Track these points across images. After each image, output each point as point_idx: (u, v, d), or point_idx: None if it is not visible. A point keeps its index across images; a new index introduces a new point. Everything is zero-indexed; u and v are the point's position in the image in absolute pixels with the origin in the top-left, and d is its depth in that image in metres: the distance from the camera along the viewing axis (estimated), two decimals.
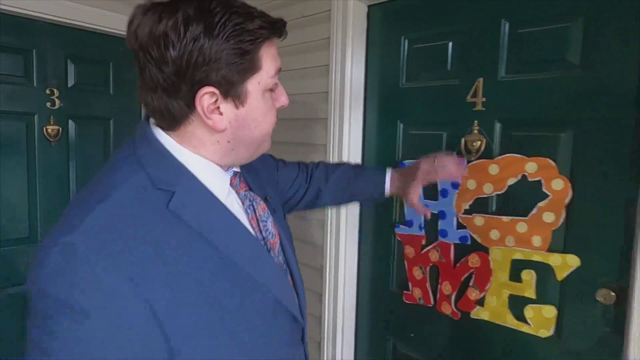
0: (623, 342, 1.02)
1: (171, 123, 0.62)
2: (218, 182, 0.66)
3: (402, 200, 1.49)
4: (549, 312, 1.18)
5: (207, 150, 0.65)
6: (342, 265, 1.60)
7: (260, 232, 0.73)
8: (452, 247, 1.37)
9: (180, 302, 0.56)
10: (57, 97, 1.95)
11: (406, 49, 1.47)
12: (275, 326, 0.70)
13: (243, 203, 0.72)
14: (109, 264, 0.51)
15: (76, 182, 2.04)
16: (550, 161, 1.16)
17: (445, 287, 1.39)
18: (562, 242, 1.16)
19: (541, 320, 1.20)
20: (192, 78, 0.58)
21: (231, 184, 0.70)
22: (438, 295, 1.41)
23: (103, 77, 2.12)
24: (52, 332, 0.49)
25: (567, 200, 1.14)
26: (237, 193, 0.72)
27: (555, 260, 1.16)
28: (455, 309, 1.37)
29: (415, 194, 1.05)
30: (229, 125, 0.63)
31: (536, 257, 1.19)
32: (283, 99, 0.69)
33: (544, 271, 1.19)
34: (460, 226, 1.35)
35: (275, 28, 0.62)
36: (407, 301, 1.50)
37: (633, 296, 0.99)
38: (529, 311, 1.22)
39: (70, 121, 2.01)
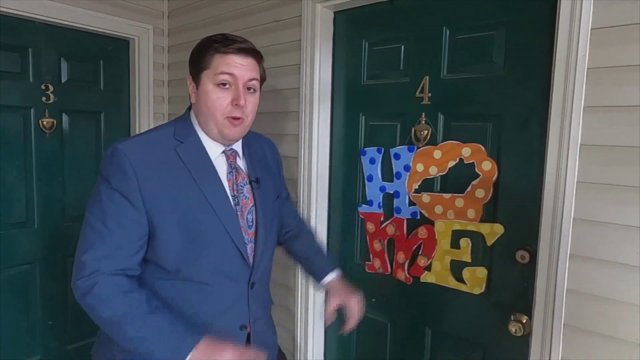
0: (533, 292, 1.26)
1: (191, 102, 1.07)
2: (212, 147, 1.05)
3: (364, 182, 1.71)
4: (481, 272, 1.42)
5: (198, 119, 1.05)
6: None
7: (234, 190, 1.07)
8: (405, 222, 1.59)
9: (159, 200, 0.96)
10: (51, 92, 2.11)
11: (367, 50, 1.69)
12: (222, 246, 1.02)
13: (228, 167, 1.07)
14: (132, 163, 0.93)
15: (70, 170, 2.20)
16: (481, 146, 1.39)
17: (400, 257, 1.61)
18: (491, 213, 1.39)
19: (475, 280, 1.43)
20: (189, 72, 1.06)
21: (224, 152, 1.07)
22: (394, 264, 1.64)
23: (94, 74, 2.28)
24: (97, 192, 0.96)
25: (494, 179, 1.37)
26: (227, 161, 1.07)
27: (485, 229, 1.40)
28: (408, 275, 1.59)
29: (332, 308, 1.22)
30: (195, 101, 1.03)
31: (471, 227, 1.43)
32: (236, 98, 1.00)
33: (477, 239, 1.42)
34: (411, 203, 1.57)
35: (227, 45, 0.99)
36: (368, 271, 1.72)
37: (539, 255, 1.22)
38: (465, 273, 1.45)
39: (64, 114, 2.17)
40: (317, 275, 1.29)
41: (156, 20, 2.42)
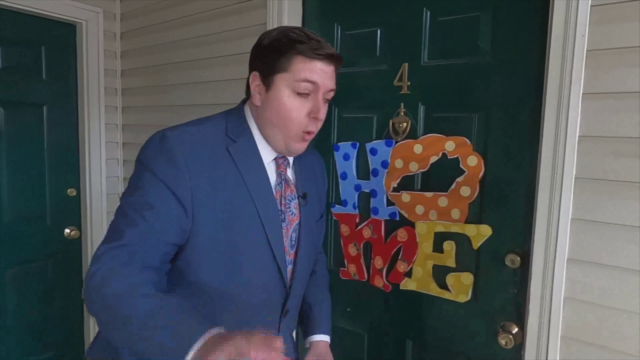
0: (526, 300, 1.14)
1: (247, 95, 0.94)
2: (265, 151, 0.92)
3: (338, 180, 1.55)
4: (467, 278, 1.29)
5: (256, 121, 0.92)
6: None
7: (282, 205, 0.94)
8: (382, 224, 1.45)
9: (207, 200, 0.83)
10: None
11: (339, 35, 1.53)
12: (262, 261, 0.90)
13: (277, 178, 0.94)
14: (182, 155, 0.81)
15: (7, 170, 1.95)
16: (466, 139, 1.26)
17: (377, 262, 1.47)
18: (477, 213, 1.27)
19: (460, 287, 1.30)
20: (251, 64, 0.91)
21: (275, 160, 0.94)
22: (371, 270, 1.49)
23: (35, 62, 2.03)
24: (139, 179, 0.82)
25: (480, 175, 1.25)
26: (277, 169, 0.95)
27: (471, 230, 1.27)
28: (386, 282, 1.45)
29: None
30: (261, 103, 0.89)
31: (455, 229, 1.30)
32: (315, 111, 0.88)
33: (462, 241, 1.29)
34: (389, 203, 1.43)
35: (310, 50, 0.84)
36: (343, 277, 1.57)
37: (532, 258, 1.10)
38: (450, 279, 1.32)
39: None
40: (307, 328, 1.13)
41: (107, 2, 2.18)
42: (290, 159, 0.99)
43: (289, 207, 0.96)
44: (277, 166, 0.95)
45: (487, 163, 1.23)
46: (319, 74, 0.85)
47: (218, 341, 0.61)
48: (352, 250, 1.54)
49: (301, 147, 0.92)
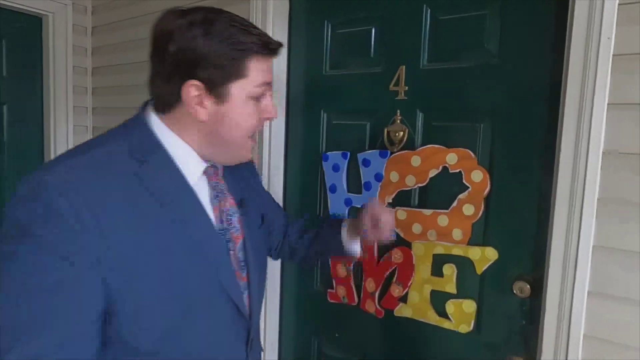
0: (538, 334, 1.01)
1: (164, 107, 0.72)
2: (191, 166, 0.74)
3: (326, 193, 1.41)
4: (469, 306, 1.16)
5: (189, 137, 0.73)
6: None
7: (222, 222, 0.78)
8: (375, 243, 1.31)
9: (133, 254, 0.63)
10: None
11: (330, 34, 1.39)
12: (216, 307, 0.74)
13: (211, 191, 0.78)
14: (72, 202, 0.59)
15: None
16: (470, 152, 1.13)
17: (369, 285, 1.33)
18: (481, 234, 1.14)
19: (462, 316, 1.17)
20: (184, 71, 0.68)
21: (205, 172, 0.76)
22: (362, 293, 1.35)
23: None
24: (15, 257, 0.58)
25: (485, 192, 1.12)
26: (209, 181, 0.78)
27: (474, 253, 1.14)
28: (378, 307, 1.31)
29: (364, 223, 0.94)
30: (209, 118, 0.71)
31: (456, 251, 1.16)
32: (269, 111, 0.75)
33: (464, 265, 1.16)
34: None
35: (268, 47, 0.70)
36: (331, 300, 1.42)
37: (547, 287, 0.97)
38: (450, 306, 1.19)
39: None
40: (334, 233, 1.01)
41: None
42: (219, 165, 0.81)
43: (231, 223, 0.80)
44: (209, 177, 0.78)
45: (494, 179, 1.11)
46: (270, 71, 0.74)
47: None
48: (341, 270, 1.39)
49: (250, 155, 0.79)
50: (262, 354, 0.95)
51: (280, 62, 1.45)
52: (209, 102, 0.70)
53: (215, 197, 0.78)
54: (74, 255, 0.59)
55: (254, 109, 0.72)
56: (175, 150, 0.72)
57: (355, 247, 1.01)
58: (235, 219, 0.81)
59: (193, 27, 0.67)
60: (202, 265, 0.71)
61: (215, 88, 0.69)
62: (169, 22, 0.68)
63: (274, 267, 1.53)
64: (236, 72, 0.69)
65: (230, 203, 0.81)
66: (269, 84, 0.73)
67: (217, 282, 0.73)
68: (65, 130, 2.03)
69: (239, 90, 0.70)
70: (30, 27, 1.95)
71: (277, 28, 1.42)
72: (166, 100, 0.71)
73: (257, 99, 0.72)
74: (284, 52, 1.45)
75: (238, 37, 0.68)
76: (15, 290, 0.58)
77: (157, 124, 0.72)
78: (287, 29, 1.46)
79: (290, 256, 1.09)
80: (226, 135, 0.72)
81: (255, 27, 0.71)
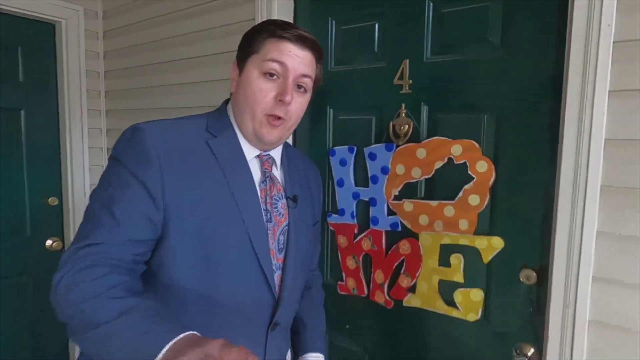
0: (544, 321, 1.02)
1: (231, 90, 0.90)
2: (248, 147, 0.88)
3: (334, 188, 1.44)
4: (477, 295, 1.17)
5: (234, 110, 0.88)
6: None
7: (267, 204, 0.87)
8: (383, 235, 1.33)
9: (181, 194, 0.77)
10: None
11: (334, 30, 1.42)
12: (246, 266, 0.82)
13: (261, 176, 0.88)
14: (157, 146, 0.76)
15: None
16: (475, 143, 1.14)
17: (378, 276, 1.35)
18: (487, 224, 1.15)
19: (470, 304, 1.19)
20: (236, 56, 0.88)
21: (260, 158, 0.89)
22: (371, 285, 1.38)
23: (10, 63, 1.91)
24: (106, 175, 0.78)
25: (491, 182, 1.13)
26: (261, 167, 0.89)
27: (481, 243, 1.15)
28: (388, 298, 1.34)
29: None
30: (235, 88, 0.87)
31: (463, 241, 1.18)
32: (282, 93, 0.82)
33: (471, 254, 1.18)
34: (390, 212, 1.31)
35: (279, 32, 0.82)
36: (341, 292, 1.45)
37: (552, 275, 0.99)
38: (458, 296, 1.21)
39: None
40: (300, 345, 1.05)
41: (88, 1, 2.06)
42: (277, 159, 0.93)
43: (276, 207, 0.89)
44: (262, 164, 0.89)
45: (498, 169, 1.12)
46: (289, 55, 0.82)
47: (188, 343, 0.58)
48: (350, 263, 1.42)
49: (271, 134, 0.85)
50: (288, 356, 1.01)
51: None
52: (237, 74, 0.87)
53: (264, 181, 0.88)
54: (147, 180, 0.74)
55: (268, 86, 0.82)
56: (239, 132, 0.87)
57: None
58: (281, 205, 0.90)
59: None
60: (239, 225, 0.81)
61: (241, 62, 0.86)
62: None
63: None
64: (251, 49, 0.84)
65: (277, 189, 0.90)
66: (281, 64, 0.81)
67: (249, 243, 0.82)
68: (80, 133, 2.09)
69: (252, 64, 0.83)
70: (44, 34, 2.00)
71: None
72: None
73: (270, 76, 0.82)
74: None
75: (261, 26, 0.85)
76: (100, 198, 0.75)
77: (229, 111, 0.89)
78: None
79: None
80: (243, 102, 0.84)
81: (291, 24, 0.85)
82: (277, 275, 0.88)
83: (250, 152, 0.88)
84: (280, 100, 0.82)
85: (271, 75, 0.82)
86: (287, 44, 0.82)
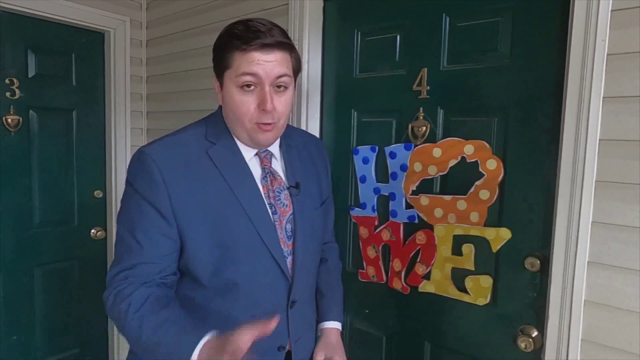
0: (546, 305, 1.14)
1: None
2: (246, 148, 0.95)
3: (357, 183, 1.58)
4: (486, 281, 1.29)
5: (227, 122, 0.95)
6: None
7: (270, 198, 0.96)
8: (401, 226, 1.47)
9: (188, 203, 0.87)
10: (16, 87, 1.94)
11: (359, 41, 1.56)
12: (258, 257, 0.93)
13: (262, 172, 0.97)
14: (161, 168, 0.86)
15: (38, 173, 2.03)
16: (485, 143, 1.27)
17: (396, 264, 1.48)
18: (496, 216, 1.27)
19: (479, 290, 1.31)
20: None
21: (258, 155, 0.97)
22: (390, 272, 1.51)
23: (65, 68, 2.12)
24: (125, 198, 0.90)
25: (500, 179, 1.25)
26: (260, 164, 0.97)
27: (490, 233, 1.27)
28: (404, 284, 1.47)
29: (318, 358, 1.09)
30: (222, 102, 0.94)
31: (474, 232, 1.30)
32: (262, 102, 0.87)
33: (481, 244, 1.30)
34: (408, 206, 1.44)
35: (247, 41, 0.84)
36: (362, 279, 1.59)
37: (552, 261, 1.10)
38: (468, 282, 1.33)
39: (31, 111, 2.01)
40: (318, 315, 1.17)
41: (133, 11, 2.26)
42: (276, 152, 1.01)
43: (279, 199, 0.97)
44: (261, 160, 0.97)
45: (507, 166, 1.24)
46: (259, 64, 0.84)
47: (214, 346, 0.72)
48: (370, 252, 1.56)
49: (265, 137, 0.91)
50: (315, 329, 1.13)
51: (314, 66, 1.63)
52: (218, 87, 0.93)
53: (264, 177, 0.96)
54: (157, 203, 0.86)
55: (248, 98, 0.87)
56: (234, 134, 0.94)
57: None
58: (283, 196, 0.98)
59: (219, 37, 0.91)
60: (246, 221, 0.91)
61: (219, 78, 0.92)
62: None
63: None
64: (224, 63, 0.88)
65: (278, 182, 0.98)
66: (254, 75, 0.85)
67: (258, 237, 0.92)
68: (123, 132, 2.28)
69: (228, 79, 0.89)
70: (95, 42, 2.21)
71: (312, 38, 1.60)
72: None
73: (247, 88, 0.86)
74: (318, 58, 1.64)
75: (229, 34, 0.87)
76: (124, 223, 0.88)
77: (225, 114, 0.95)
78: (321, 38, 1.64)
79: None
80: (231, 114, 0.91)
81: (256, 27, 0.85)
82: (289, 260, 0.98)
83: (248, 153, 0.95)
84: (262, 110, 0.87)
85: (248, 86, 0.86)
86: (254, 53, 0.84)
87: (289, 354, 1.02)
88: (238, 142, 0.95)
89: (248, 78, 0.85)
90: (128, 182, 0.90)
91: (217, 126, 0.95)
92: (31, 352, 2.07)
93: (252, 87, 0.87)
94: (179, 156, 0.89)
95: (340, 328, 1.16)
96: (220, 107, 0.97)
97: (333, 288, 1.20)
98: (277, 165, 1.01)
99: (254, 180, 0.95)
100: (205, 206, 0.89)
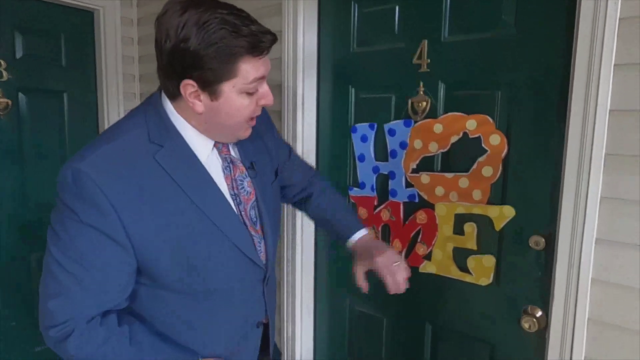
0: (551, 284, 1.10)
1: (170, 96, 0.80)
2: (201, 146, 0.84)
3: (355, 162, 1.53)
4: (489, 261, 1.26)
5: (194, 122, 0.82)
6: (299, 229, 1.64)
7: (234, 188, 0.88)
8: (401, 206, 1.42)
9: (145, 224, 0.76)
10: (4, 69, 1.88)
11: (356, 13, 1.49)
12: (234, 266, 0.88)
13: (223, 162, 0.88)
14: (105, 191, 0.72)
15: (30, 157, 1.99)
16: (488, 117, 1.21)
17: (396, 245, 1.45)
18: (499, 194, 1.22)
19: (482, 270, 1.27)
20: (179, 70, 0.74)
21: (215, 146, 0.86)
22: None
23: (54, 49, 2.04)
24: (63, 224, 0.73)
25: (503, 155, 1.20)
26: (219, 154, 0.87)
27: (493, 212, 1.23)
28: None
29: (360, 273, 1.08)
30: (205, 111, 0.79)
31: (476, 210, 1.26)
32: (265, 100, 0.82)
33: (483, 223, 1.25)
34: (408, 185, 1.40)
35: (257, 47, 0.74)
36: None
37: (558, 238, 1.06)
38: (471, 262, 1.29)
39: (20, 94, 1.95)
40: (341, 237, 1.11)
41: None
42: None
43: (243, 187, 0.90)
44: (219, 151, 0.88)
45: (511, 141, 1.19)
46: (264, 64, 0.79)
47: None
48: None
49: (247, 132, 0.87)
50: (276, 283, 1.13)
51: (310, 41, 1.56)
52: (204, 97, 0.77)
53: (226, 167, 0.88)
54: (106, 229, 0.73)
55: (249, 100, 0.80)
56: (186, 132, 0.81)
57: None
58: (247, 183, 0.91)
59: (186, 28, 0.70)
60: (212, 227, 0.82)
61: (209, 87, 0.75)
62: (167, 20, 0.72)
63: (308, 233, 1.67)
64: (227, 73, 0.74)
65: (240, 170, 0.90)
66: (261, 77, 0.78)
67: (227, 240, 0.84)
68: (116, 115, 2.22)
69: (230, 88, 0.76)
70: (84, 21, 2.14)
71: (307, 10, 1.53)
72: (170, 92, 0.79)
73: (251, 93, 0.79)
74: (314, 32, 1.57)
75: (227, 41, 0.71)
76: (65, 251, 0.73)
77: (170, 110, 0.81)
78: (317, 12, 1.56)
79: (300, 209, 1.23)
80: (223, 122, 0.81)
81: (248, 25, 0.73)
82: (262, 246, 0.93)
83: (205, 148, 0.85)
84: (264, 103, 0.83)
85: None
86: (260, 59, 0.78)
87: (266, 326, 1.01)
88: (188, 141, 0.82)
89: (258, 82, 0.79)
90: (63, 204, 0.73)
91: (159, 125, 0.80)
92: (30, 338, 2.06)
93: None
94: (124, 169, 0.75)
95: (368, 233, 1.12)
96: (158, 103, 0.82)
97: (337, 207, 1.16)
98: (233, 151, 0.93)
99: (214, 182, 0.84)
100: (163, 222, 0.78)
